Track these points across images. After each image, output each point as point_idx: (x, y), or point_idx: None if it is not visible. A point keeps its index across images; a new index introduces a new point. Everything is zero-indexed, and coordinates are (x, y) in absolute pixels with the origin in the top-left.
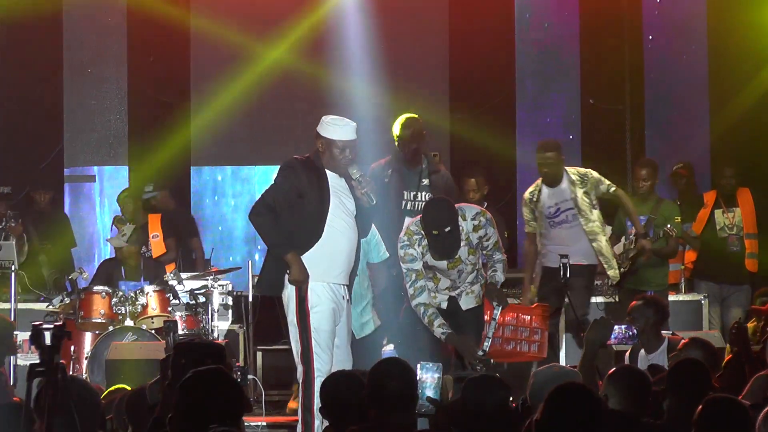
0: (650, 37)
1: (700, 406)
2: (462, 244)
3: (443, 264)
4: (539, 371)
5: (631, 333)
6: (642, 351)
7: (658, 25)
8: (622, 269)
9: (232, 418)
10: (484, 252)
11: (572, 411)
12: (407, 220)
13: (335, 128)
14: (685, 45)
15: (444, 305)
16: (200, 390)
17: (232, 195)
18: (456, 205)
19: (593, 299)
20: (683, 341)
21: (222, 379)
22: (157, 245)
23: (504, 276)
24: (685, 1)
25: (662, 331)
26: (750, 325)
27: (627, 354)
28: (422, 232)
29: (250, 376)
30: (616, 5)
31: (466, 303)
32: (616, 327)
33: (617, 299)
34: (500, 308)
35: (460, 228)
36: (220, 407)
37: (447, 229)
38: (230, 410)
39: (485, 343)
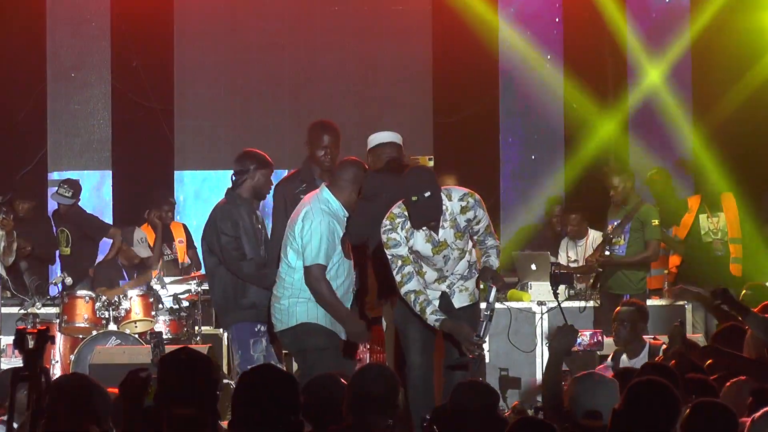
0: (633, 42)
1: (688, 411)
2: (447, 226)
3: (428, 249)
4: (580, 377)
5: (597, 339)
6: (624, 356)
7: (642, 29)
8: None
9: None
10: (475, 237)
11: (654, 404)
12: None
13: None
14: (667, 48)
15: (435, 303)
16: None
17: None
18: (443, 187)
19: (576, 303)
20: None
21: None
22: (180, 250)
23: (498, 261)
24: (668, 6)
25: (643, 336)
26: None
27: (609, 359)
28: (405, 213)
29: (226, 381)
30: (599, 10)
31: (460, 300)
32: (580, 334)
33: (599, 303)
34: (495, 289)
35: (445, 208)
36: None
37: (426, 194)
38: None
39: (481, 328)
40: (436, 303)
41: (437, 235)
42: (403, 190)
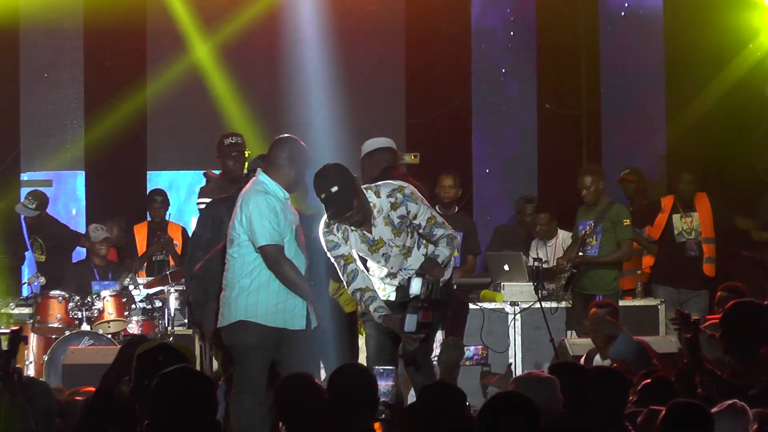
0: (607, 42)
1: (664, 411)
2: (380, 224)
3: (364, 249)
4: (520, 378)
5: (484, 354)
6: (597, 356)
7: (615, 30)
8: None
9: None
10: (421, 231)
11: (505, 420)
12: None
13: None
14: (641, 50)
15: (392, 296)
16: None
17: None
18: (374, 183)
19: (547, 304)
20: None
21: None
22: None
23: (449, 250)
24: (641, 6)
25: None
26: None
27: (582, 359)
28: None
29: None
30: (572, 11)
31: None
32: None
33: (572, 303)
34: (421, 279)
35: (373, 205)
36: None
37: (333, 189)
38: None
39: (405, 322)
40: (393, 296)
41: (371, 234)
42: (315, 190)
